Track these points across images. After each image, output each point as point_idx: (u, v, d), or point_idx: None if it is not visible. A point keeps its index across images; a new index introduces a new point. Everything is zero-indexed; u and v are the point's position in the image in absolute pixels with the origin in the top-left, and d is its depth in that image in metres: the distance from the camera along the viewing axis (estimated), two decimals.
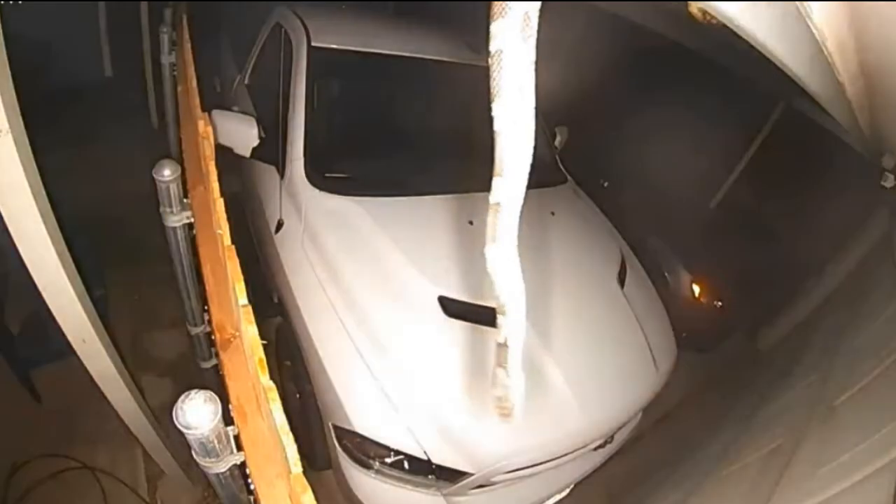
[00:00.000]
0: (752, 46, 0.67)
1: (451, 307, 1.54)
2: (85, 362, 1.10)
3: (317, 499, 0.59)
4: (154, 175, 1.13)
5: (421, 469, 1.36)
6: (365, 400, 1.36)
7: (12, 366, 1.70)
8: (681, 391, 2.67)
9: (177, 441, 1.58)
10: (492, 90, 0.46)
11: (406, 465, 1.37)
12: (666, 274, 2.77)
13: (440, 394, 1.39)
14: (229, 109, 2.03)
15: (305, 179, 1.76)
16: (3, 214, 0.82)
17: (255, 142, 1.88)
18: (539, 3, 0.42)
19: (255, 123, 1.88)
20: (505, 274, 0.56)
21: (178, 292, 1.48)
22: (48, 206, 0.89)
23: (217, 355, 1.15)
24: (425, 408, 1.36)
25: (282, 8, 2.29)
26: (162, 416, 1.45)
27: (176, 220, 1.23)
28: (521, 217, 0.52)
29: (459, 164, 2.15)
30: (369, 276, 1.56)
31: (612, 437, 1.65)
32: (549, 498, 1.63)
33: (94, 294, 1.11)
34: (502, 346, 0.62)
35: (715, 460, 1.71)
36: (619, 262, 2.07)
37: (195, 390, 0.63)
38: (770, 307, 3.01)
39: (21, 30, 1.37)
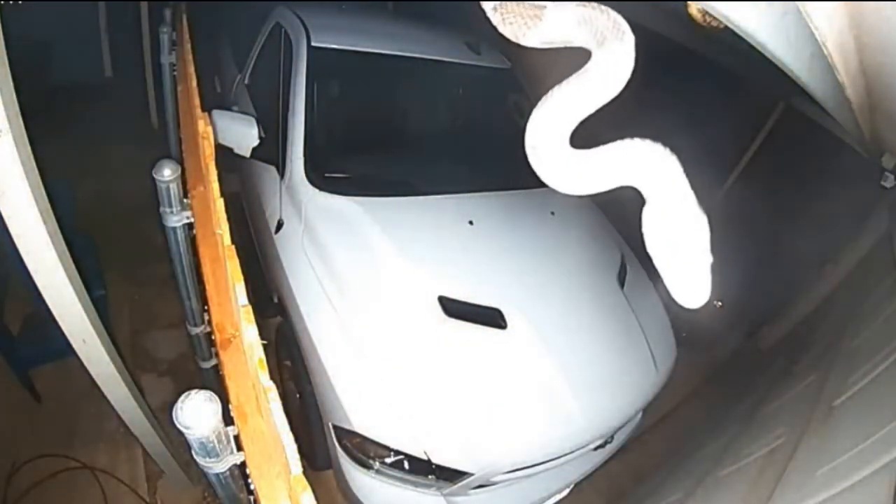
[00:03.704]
0: (752, 47, 0.67)
1: (451, 307, 1.54)
2: (85, 362, 1.10)
3: (317, 499, 0.59)
4: (154, 175, 1.13)
5: (421, 469, 1.36)
6: (365, 400, 1.37)
7: (12, 366, 1.70)
8: (681, 391, 2.67)
9: (177, 441, 1.58)
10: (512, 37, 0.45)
11: (406, 465, 1.37)
12: None
13: (440, 394, 1.39)
14: (229, 109, 2.03)
15: (305, 179, 1.76)
16: (3, 214, 0.82)
17: (255, 142, 1.88)
18: None
19: (255, 123, 1.88)
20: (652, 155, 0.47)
21: (178, 292, 1.48)
22: (48, 206, 0.89)
23: (217, 355, 1.15)
24: (425, 408, 1.36)
25: (282, 8, 2.29)
26: (162, 416, 1.45)
27: (176, 220, 1.23)
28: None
29: (459, 164, 2.16)
30: (369, 275, 1.56)
31: (612, 437, 1.65)
32: (549, 498, 1.63)
33: (93, 294, 1.11)
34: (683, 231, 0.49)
35: (715, 460, 1.71)
36: (619, 262, 2.07)
37: (195, 390, 0.63)
38: (770, 307, 3.01)
39: (21, 30, 1.37)
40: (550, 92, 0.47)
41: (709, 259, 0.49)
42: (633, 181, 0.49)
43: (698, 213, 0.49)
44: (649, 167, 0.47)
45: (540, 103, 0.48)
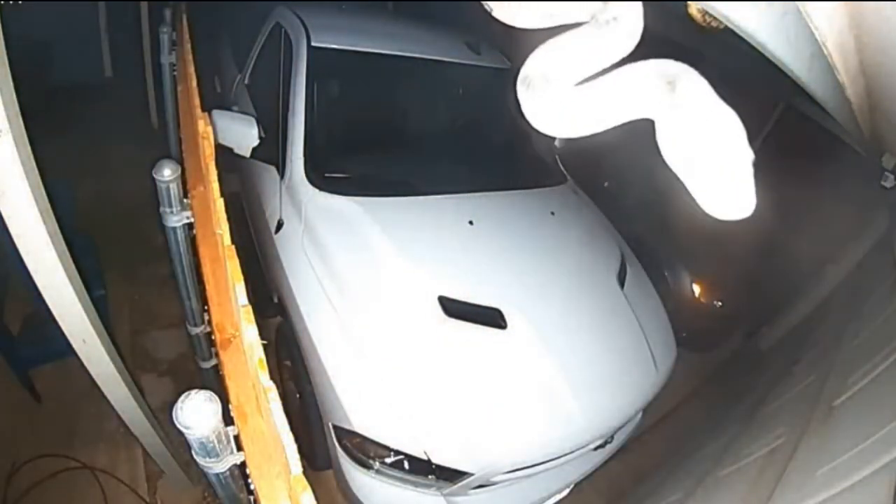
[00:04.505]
0: (752, 46, 0.67)
1: (451, 307, 1.54)
2: (85, 362, 1.10)
3: (317, 499, 0.59)
4: (154, 175, 1.13)
5: (421, 469, 1.36)
6: (365, 400, 1.37)
7: (12, 366, 1.70)
8: (681, 391, 2.67)
9: (177, 441, 1.58)
10: None
11: (406, 465, 1.37)
12: (666, 274, 2.77)
13: (440, 394, 1.39)
14: (229, 109, 2.03)
15: (305, 179, 1.76)
16: (3, 214, 0.82)
17: (255, 142, 1.88)
18: None
19: (255, 123, 1.88)
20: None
21: (178, 292, 1.48)
22: (48, 206, 0.89)
23: (217, 355, 1.15)
24: (425, 408, 1.36)
25: (282, 8, 2.29)
26: (162, 416, 1.45)
27: (176, 220, 1.23)
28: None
29: (459, 164, 2.16)
30: (369, 275, 1.56)
31: (612, 437, 1.65)
32: (549, 498, 1.63)
33: (93, 294, 1.11)
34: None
35: (715, 460, 1.71)
36: (619, 262, 2.07)
37: (195, 390, 0.63)
38: (770, 307, 3.01)
39: (21, 30, 1.37)
40: (558, 35, 0.44)
41: (749, 154, 0.42)
42: (639, 108, 0.43)
43: (725, 107, 0.42)
44: (660, 83, 0.42)
45: (545, 43, 0.44)
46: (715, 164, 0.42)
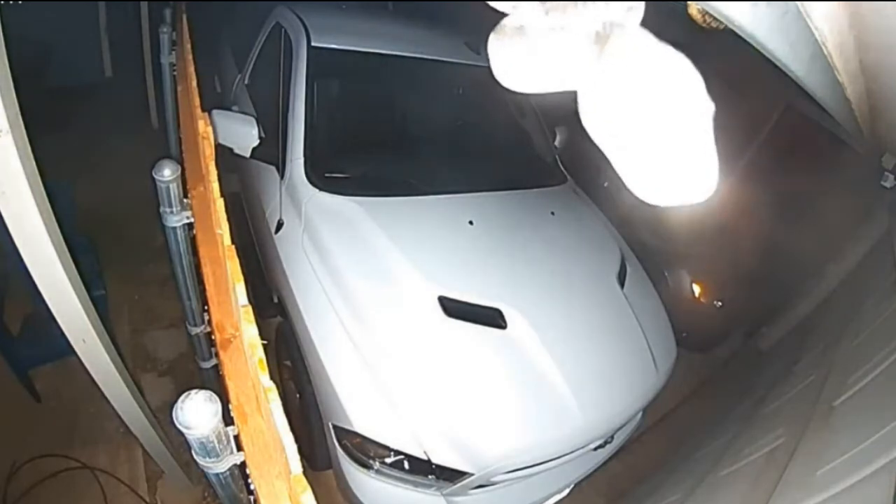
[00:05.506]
0: (752, 46, 0.67)
1: (451, 307, 1.54)
2: (85, 362, 1.10)
3: (317, 499, 0.59)
4: (154, 175, 1.13)
5: (421, 469, 1.36)
6: (365, 400, 1.37)
7: (12, 366, 1.70)
8: (681, 391, 2.67)
9: (177, 441, 1.59)
10: None
11: (406, 465, 1.37)
12: (666, 274, 2.77)
13: (440, 394, 1.39)
14: (229, 109, 2.03)
15: (305, 179, 1.76)
16: (3, 214, 0.82)
17: (255, 142, 1.88)
18: None
19: (255, 123, 1.88)
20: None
21: (178, 292, 1.48)
22: (48, 206, 0.89)
23: (217, 355, 1.15)
24: (425, 408, 1.36)
25: (282, 8, 2.29)
26: (162, 416, 1.45)
27: (176, 220, 1.23)
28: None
29: (459, 164, 2.16)
30: (369, 275, 1.56)
31: (612, 437, 1.65)
32: (549, 498, 1.63)
33: (94, 294, 1.11)
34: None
35: (715, 460, 1.71)
36: (619, 262, 2.07)
37: (195, 390, 0.63)
38: (770, 307, 3.01)
39: (21, 30, 1.37)
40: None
41: (709, 106, 0.33)
42: (568, 70, 0.37)
43: (672, 55, 0.33)
44: (587, 37, 0.35)
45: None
46: (658, 130, 0.33)
